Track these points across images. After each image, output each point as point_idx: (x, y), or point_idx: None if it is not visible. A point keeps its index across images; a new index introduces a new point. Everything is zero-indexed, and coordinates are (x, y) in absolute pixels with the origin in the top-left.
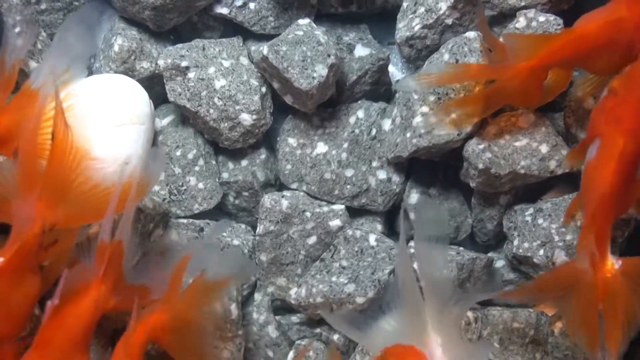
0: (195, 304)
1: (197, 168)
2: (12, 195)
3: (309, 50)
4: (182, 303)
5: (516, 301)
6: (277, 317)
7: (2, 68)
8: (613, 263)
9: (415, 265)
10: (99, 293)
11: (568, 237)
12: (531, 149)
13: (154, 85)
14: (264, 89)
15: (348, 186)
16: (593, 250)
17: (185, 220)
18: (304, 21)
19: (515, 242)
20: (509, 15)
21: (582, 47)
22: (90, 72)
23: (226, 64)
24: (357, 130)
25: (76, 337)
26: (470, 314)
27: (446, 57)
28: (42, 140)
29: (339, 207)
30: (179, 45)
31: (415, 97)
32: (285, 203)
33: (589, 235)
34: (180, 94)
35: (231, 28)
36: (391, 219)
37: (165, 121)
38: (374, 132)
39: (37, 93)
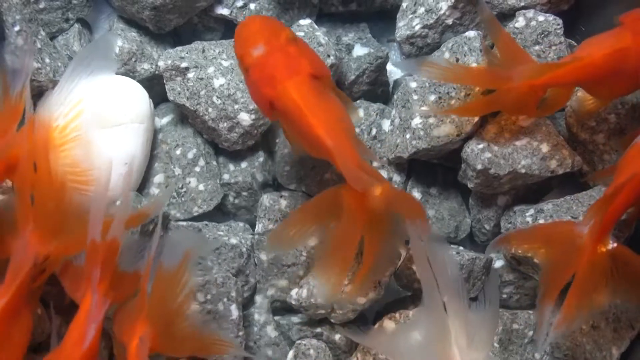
0: (166, 297)
1: (197, 169)
2: (11, 231)
3: None
4: (155, 304)
5: (508, 246)
6: (277, 318)
7: (8, 95)
8: (610, 242)
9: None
10: (98, 298)
11: None
12: (532, 148)
13: (154, 85)
14: None
15: None
16: (601, 222)
17: (184, 223)
18: (305, 22)
19: None
20: (508, 15)
21: (587, 75)
22: None
23: (225, 63)
24: (357, 129)
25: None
26: None
27: (447, 55)
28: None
29: None
30: (179, 48)
31: (415, 97)
32: (283, 202)
33: (604, 205)
34: (179, 93)
35: (232, 29)
36: None
37: (165, 120)
38: (374, 131)
39: (47, 122)
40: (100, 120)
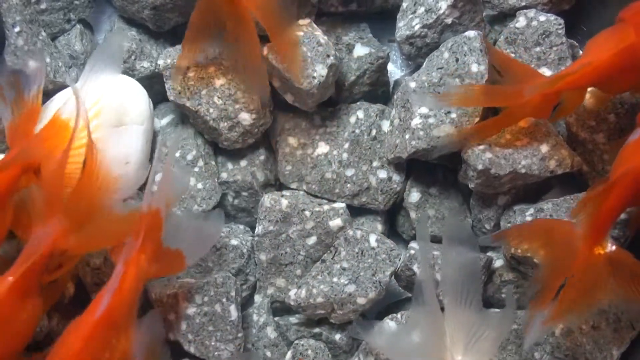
0: None
1: (196, 169)
2: (36, 218)
3: (309, 51)
4: None
5: (505, 243)
6: (276, 319)
7: (23, 98)
8: (608, 245)
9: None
10: (140, 265)
11: None
12: (532, 148)
13: (154, 84)
14: None
15: (349, 185)
16: (598, 223)
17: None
18: (304, 21)
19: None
20: (509, 14)
21: (598, 78)
22: None
23: (226, 63)
24: (357, 130)
25: (123, 310)
26: None
27: (446, 55)
28: (71, 168)
29: (339, 205)
30: (179, 46)
31: (415, 97)
32: (284, 202)
33: (602, 205)
34: (180, 93)
35: None
36: (391, 218)
37: (165, 121)
38: (374, 132)
39: (67, 123)
40: (100, 120)
